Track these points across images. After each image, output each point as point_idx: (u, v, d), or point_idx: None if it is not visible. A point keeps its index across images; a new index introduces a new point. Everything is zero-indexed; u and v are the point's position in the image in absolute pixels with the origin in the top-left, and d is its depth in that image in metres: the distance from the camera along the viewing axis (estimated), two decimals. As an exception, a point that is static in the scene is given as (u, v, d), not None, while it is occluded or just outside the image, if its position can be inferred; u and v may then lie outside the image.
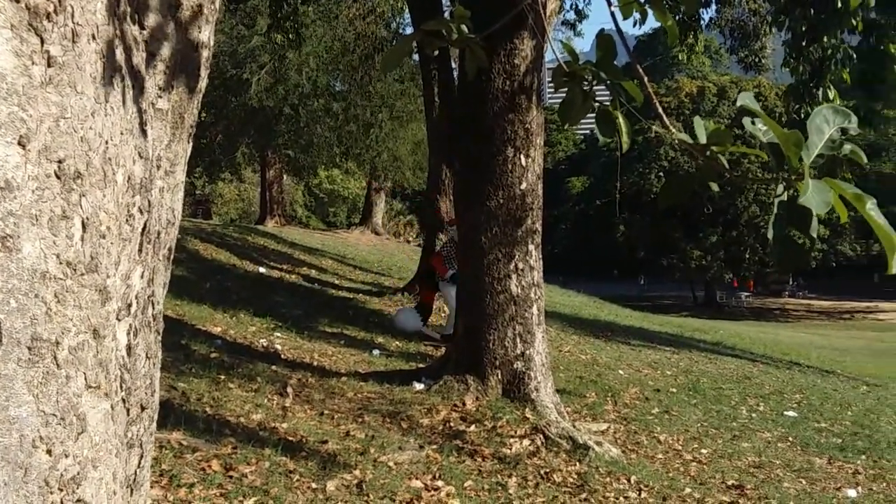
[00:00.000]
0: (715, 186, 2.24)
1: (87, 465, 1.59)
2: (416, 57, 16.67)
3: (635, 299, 43.41)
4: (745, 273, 56.32)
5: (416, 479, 5.09)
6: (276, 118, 22.87)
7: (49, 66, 1.52)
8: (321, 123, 23.16)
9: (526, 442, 6.19)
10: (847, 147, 1.96)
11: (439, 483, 5.07)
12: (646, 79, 2.53)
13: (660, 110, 2.37)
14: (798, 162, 1.88)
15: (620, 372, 10.37)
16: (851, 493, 6.51)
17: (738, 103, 2.06)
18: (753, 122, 2.04)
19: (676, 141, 2.24)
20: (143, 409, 1.96)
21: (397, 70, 21.05)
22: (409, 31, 20.11)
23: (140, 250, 1.86)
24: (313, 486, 4.59)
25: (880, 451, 8.11)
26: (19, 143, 1.44)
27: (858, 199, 1.83)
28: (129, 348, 1.82)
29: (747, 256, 54.96)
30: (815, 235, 1.88)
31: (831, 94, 10.18)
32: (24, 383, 1.46)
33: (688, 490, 5.86)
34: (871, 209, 1.81)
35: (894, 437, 8.83)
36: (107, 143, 1.66)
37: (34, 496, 1.46)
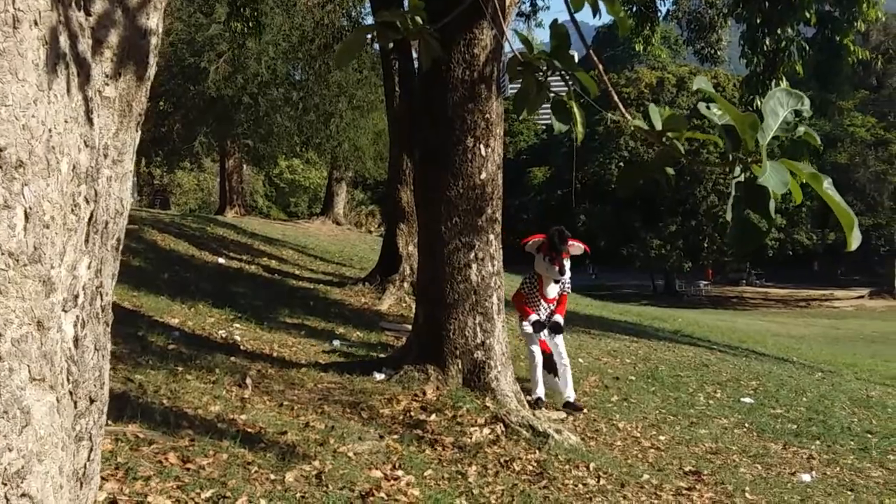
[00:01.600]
0: (671, 170, 2.26)
1: (32, 459, 1.57)
2: (376, 46, 16.58)
3: (592, 289, 43.68)
4: (703, 262, 57.03)
5: (376, 469, 5.08)
6: (235, 107, 22.63)
7: (-12, 52, 1.48)
8: (281, 113, 22.97)
9: (486, 431, 6.21)
10: (801, 129, 1.99)
11: (399, 473, 5.07)
12: (602, 68, 2.54)
13: (616, 98, 2.38)
14: (754, 144, 1.90)
15: (580, 360, 10.45)
16: (806, 477, 6.63)
17: (695, 87, 2.09)
18: (709, 107, 2.06)
19: (633, 128, 2.25)
20: (91, 401, 1.93)
21: (357, 60, 20.93)
22: (369, 20, 20.00)
23: (87, 240, 1.83)
24: (272, 477, 4.56)
25: (834, 436, 8.27)
26: (-43, 131, 1.41)
27: (815, 179, 1.85)
28: (76, 340, 1.79)
29: (706, 245, 55.66)
30: (773, 215, 1.90)
31: (783, 85, 10.32)
32: (-35, 376, 1.43)
33: (646, 476, 5.93)
34: (828, 188, 1.83)
35: (848, 423, 9.00)
36: (50, 131, 1.63)
37: (-24, 491, 1.44)
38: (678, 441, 7.25)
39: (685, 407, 8.80)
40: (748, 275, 64.82)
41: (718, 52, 17.73)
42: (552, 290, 7.84)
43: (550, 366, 7.94)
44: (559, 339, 7.92)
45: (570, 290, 8.14)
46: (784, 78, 10.50)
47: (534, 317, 7.83)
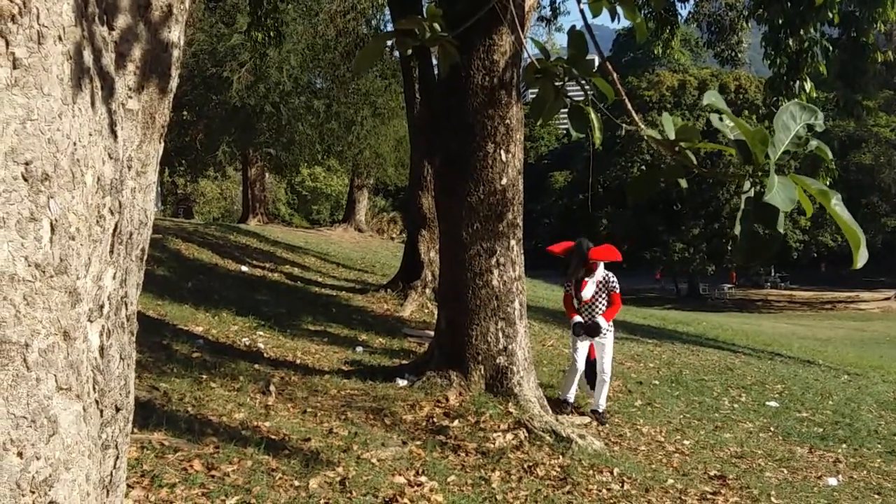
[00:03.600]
0: (684, 182, 2.26)
1: (60, 467, 1.59)
2: (397, 53, 16.64)
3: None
4: (727, 265, 56.59)
5: (400, 475, 5.10)
6: (257, 116, 22.76)
7: (14, 67, 1.51)
8: (303, 121, 23.07)
9: (509, 436, 6.21)
10: (813, 143, 1.98)
11: (423, 479, 5.08)
12: (616, 76, 2.54)
13: (629, 107, 2.39)
14: (764, 158, 1.90)
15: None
16: (832, 481, 6.57)
17: (705, 101, 2.08)
18: (721, 119, 2.06)
19: (646, 138, 2.25)
20: (117, 410, 1.96)
21: (378, 67, 21.00)
22: (389, 28, 20.07)
23: (111, 251, 1.85)
24: (296, 483, 4.59)
25: (861, 439, 8.19)
26: (-15, 146, 1.44)
27: (823, 196, 1.85)
28: (101, 350, 1.82)
29: (729, 248, 55.19)
30: (781, 231, 1.89)
31: (808, 86, 10.26)
32: (-6, 386, 1.45)
33: (670, 481, 5.91)
34: (836, 205, 1.83)
35: (874, 426, 8.92)
36: (75, 144, 1.65)
37: (6, 499, 1.46)
38: (703, 445, 7.21)
39: (710, 411, 8.75)
40: (773, 277, 64.26)
41: (739, 55, 17.66)
42: (588, 290, 7.62)
43: (591, 374, 7.79)
44: (606, 350, 7.65)
45: (617, 288, 7.68)
46: (808, 79, 10.43)
47: (577, 318, 7.70)
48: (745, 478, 6.32)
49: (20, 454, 1.48)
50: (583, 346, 7.67)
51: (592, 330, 7.59)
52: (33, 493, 1.52)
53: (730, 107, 2.16)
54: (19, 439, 1.48)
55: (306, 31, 20.59)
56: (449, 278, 7.48)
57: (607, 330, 7.67)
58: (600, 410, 7.65)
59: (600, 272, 7.61)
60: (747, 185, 2.00)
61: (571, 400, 7.71)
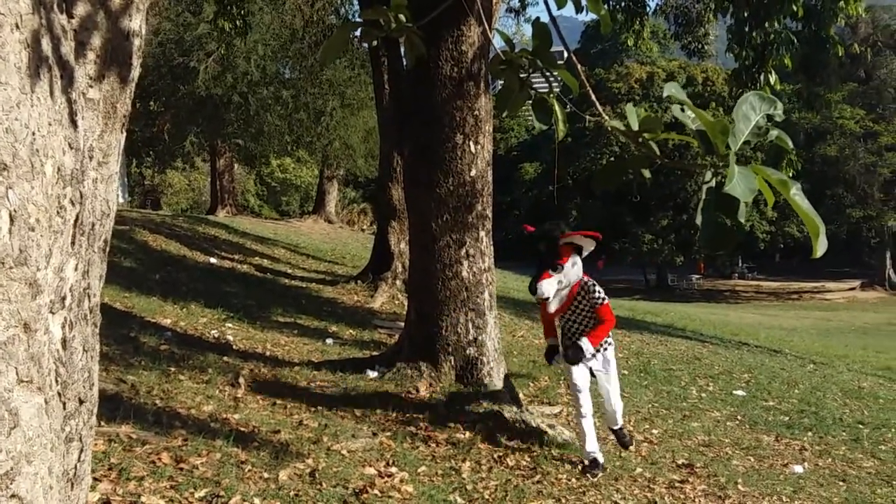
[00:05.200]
0: (647, 172, 2.28)
1: (21, 461, 1.57)
2: (365, 44, 16.57)
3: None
4: (695, 255, 57.14)
5: (370, 466, 5.09)
6: (225, 106, 22.59)
7: (-30, 56, 1.49)
8: (271, 111, 22.94)
9: (479, 427, 6.23)
10: (773, 133, 2.01)
11: (393, 469, 5.08)
12: (581, 68, 2.55)
13: (594, 98, 2.40)
14: (725, 149, 1.92)
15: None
16: (798, 469, 6.66)
17: (665, 93, 2.10)
18: (683, 110, 2.08)
19: (610, 129, 2.27)
20: (81, 402, 1.94)
21: (347, 57, 20.91)
22: (358, 17, 19.95)
23: (73, 242, 1.83)
24: (265, 475, 4.57)
25: (826, 427, 8.31)
26: (-60, 135, 1.42)
27: (783, 185, 1.87)
28: (64, 342, 1.80)
29: (696, 240, 55.72)
30: (742, 220, 1.92)
31: (773, 78, 10.36)
32: (-48, 379, 1.43)
33: (639, 470, 5.95)
34: (796, 194, 1.85)
35: (839, 415, 9.05)
36: (34, 134, 1.63)
37: (-35, 493, 1.45)
38: (671, 434, 7.28)
39: (678, 400, 8.83)
40: (740, 268, 64.97)
41: (706, 47, 17.80)
42: (554, 302, 5.66)
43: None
44: (612, 383, 5.89)
45: (602, 299, 5.64)
46: (773, 71, 10.53)
47: (550, 341, 6.06)
48: (713, 466, 6.39)
49: (-20, 448, 1.47)
50: (581, 378, 5.69)
51: (572, 355, 5.64)
52: (-6, 487, 1.50)
53: (697, 99, 2.20)
54: (-21, 433, 1.47)
55: (273, 20, 20.45)
56: (419, 269, 7.48)
57: (595, 354, 5.72)
58: (618, 426, 6.18)
59: (575, 271, 5.59)
60: (708, 175, 2.02)
61: (601, 458, 5.72)
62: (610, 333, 5.83)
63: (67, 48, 1.85)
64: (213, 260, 15.18)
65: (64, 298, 1.79)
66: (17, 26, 1.60)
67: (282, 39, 21.14)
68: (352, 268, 17.00)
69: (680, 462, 6.38)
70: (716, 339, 16.02)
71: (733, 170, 1.85)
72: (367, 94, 21.99)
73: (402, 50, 12.23)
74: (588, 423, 5.73)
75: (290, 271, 15.68)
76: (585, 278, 5.71)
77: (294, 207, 49.52)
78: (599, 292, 5.69)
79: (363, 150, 26.24)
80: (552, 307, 5.71)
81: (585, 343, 5.63)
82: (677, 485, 5.77)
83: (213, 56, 20.64)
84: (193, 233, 18.85)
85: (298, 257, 18.63)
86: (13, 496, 1.56)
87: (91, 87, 1.97)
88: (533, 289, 5.55)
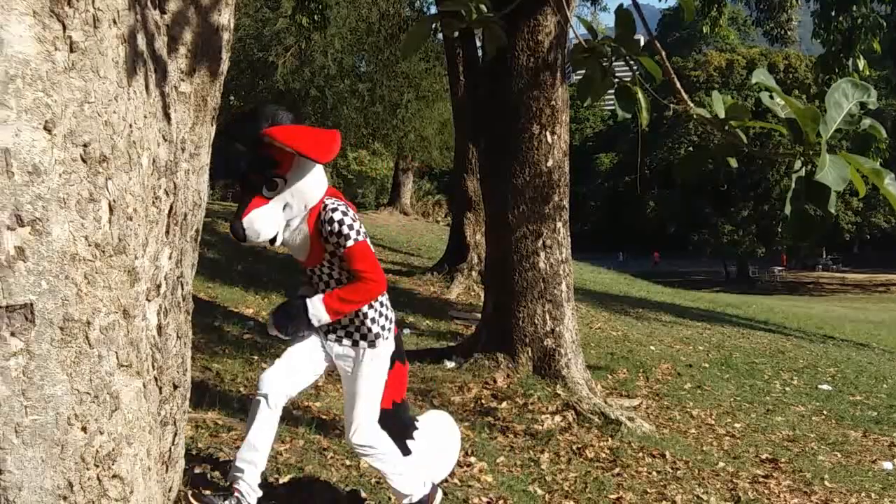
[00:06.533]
0: (734, 161, 2.23)
1: (122, 442, 1.63)
2: (440, 35, 16.61)
3: (661, 276, 42.98)
4: (778, 247, 55.75)
5: (448, 455, 5.11)
6: (302, 100, 22.89)
7: (72, 51, 1.54)
8: (347, 105, 23.16)
9: (557, 418, 6.21)
10: (866, 122, 1.94)
11: (472, 459, 5.10)
12: (664, 54, 2.51)
13: (678, 86, 2.36)
14: (816, 137, 1.86)
15: (652, 348, 10.34)
16: (888, 465, 6.46)
17: (754, 80, 2.05)
18: (772, 97, 2.03)
19: (695, 117, 2.23)
20: (175, 387, 2.00)
21: (422, 50, 20.98)
22: (433, 9, 20.01)
23: (167, 232, 1.89)
24: (347, 463, 4.64)
25: (917, 423, 8.03)
26: (45, 128, 1.47)
27: (877, 175, 1.81)
28: (159, 328, 1.86)
29: (779, 230, 54.32)
30: (832, 211, 1.86)
31: (861, 63, 10.01)
32: (58, 363, 1.49)
33: (721, 464, 5.85)
34: (890, 184, 1.79)
35: (931, 409, 8.74)
36: (131, 126, 1.69)
37: (71, 472, 1.50)
38: (754, 429, 7.13)
39: (761, 394, 8.64)
40: (824, 260, 63.17)
41: (788, 33, 17.30)
42: (296, 247, 3.37)
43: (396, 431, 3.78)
44: (361, 385, 3.52)
45: (351, 237, 3.29)
46: (861, 56, 10.19)
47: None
48: (798, 461, 6.24)
49: (84, 429, 1.52)
50: (289, 365, 3.59)
51: (277, 321, 3.49)
52: (97, 466, 1.56)
53: (779, 86, 2.13)
54: (83, 414, 1.52)
55: (350, 14, 20.63)
56: (495, 260, 7.47)
57: (332, 333, 3.54)
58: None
59: (308, 187, 3.19)
60: (798, 164, 1.97)
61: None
62: (380, 308, 3.53)
63: (161, 43, 1.91)
64: (292, 252, 15.40)
65: (159, 286, 1.85)
66: (115, 22, 1.65)
67: (358, 33, 21.32)
68: (427, 259, 17.07)
69: (764, 457, 6.25)
70: (800, 333, 15.60)
71: (825, 158, 1.79)
72: (441, 85, 22.03)
73: (478, 41, 12.22)
74: (259, 420, 3.50)
75: (367, 263, 15.80)
76: (328, 199, 3.29)
77: (370, 199, 49.97)
78: (346, 222, 3.26)
79: (438, 141, 26.29)
80: (299, 255, 3.41)
81: (314, 305, 3.33)
82: (761, 480, 5.65)
83: (290, 51, 20.96)
84: (273, 225, 19.14)
85: (375, 249, 18.77)
86: (115, 476, 1.61)
87: (183, 80, 2.02)
88: (237, 229, 3.05)
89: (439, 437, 4.14)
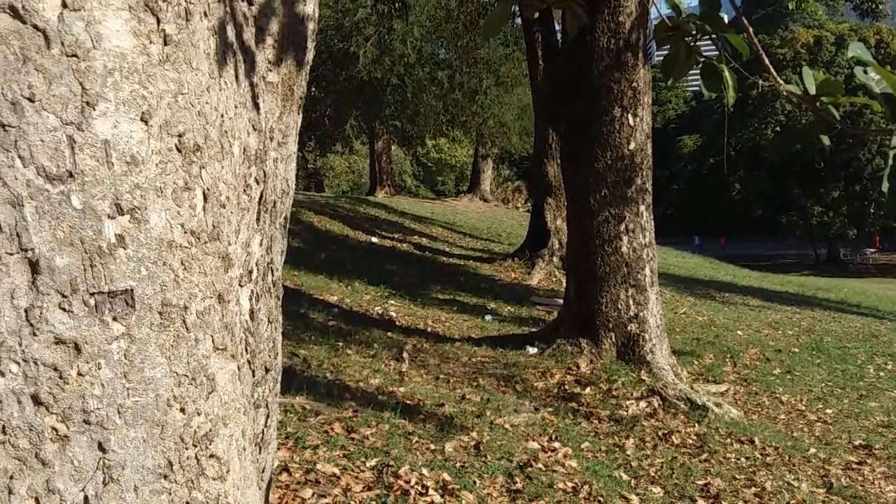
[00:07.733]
0: (826, 139, 2.16)
1: (218, 423, 1.68)
2: (518, 20, 16.51)
3: (750, 259, 41.92)
4: (870, 228, 53.82)
5: (533, 440, 5.12)
6: (383, 89, 23.06)
7: (165, 44, 1.59)
8: (427, 92, 23.23)
9: (642, 404, 6.15)
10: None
11: (556, 444, 5.10)
12: (751, 30, 2.45)
13: (766, 62, 2.30)
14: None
15: (739, 333, 10.13)
16: None
17: (849, 54, 1.98)
18: (866, 72, 1.96)
19: (785, 93, 2.16)
20: (267, 371, 2.05)
21: (501, 34, 20.87)
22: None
23: (258, 219, 1.93)
24: (432, 447, 4.69)
25: None
26: (142, 119, 1.52)
27: (984, 148, 1.73)
28: (252, 313, 1.90)
29: (872, 211, 52.43)
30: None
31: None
32: (157, 346, 1.55)
33: (812, 450, 5.72)
34: None
35: None
36: (222, 116, 1.73)
37: (171, 451, 1.56)
38: (846, 414, 6.93)
39: (853, 379, 8.39)
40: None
41: (880, 6, 16.64)
42: None
43: None
44: None
45: None
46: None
47: None
48: (893, 448, 6.04)
49: (182, 410, 1.58)
50: None
51: None
52: (195, 446, 1.61)
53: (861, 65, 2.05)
54: (181, 396, 1.57)
55: (429, 1, 20.66)
56: (577, 246, 7.42)
57: None
58: None
59: None
60: (895, 140, 1.90)
61: None
62: None
63: (249, 34, 1.94)
64: (374, 239, 15.60)
65: (251, 272, 1.90)
66: (206, 14, 1.70)
67: (437, 20, 21.34)
68: (508, 245, 17.05)
69: (857, 443, 6.08)
70: (894, 316, 15.06)
71: (926, 133, 1.73)
72: (520, 70, 21.90)
73: (557, 24, 12.10)
74: None
75: (447, 249, 15.90)
76: None
77: (449, 187, 50.09)
78: None
79: (517, 127, 26.17)
80: None
81: None
82: (854, 466, 5.50)
83: (371, 40, 21.11)
84: (355, 213, 19.42)
85: (455, 235, 18.86)
86: (212, 456, 1.67)
87: (270, 70, 2.06)
88: None
89: None
